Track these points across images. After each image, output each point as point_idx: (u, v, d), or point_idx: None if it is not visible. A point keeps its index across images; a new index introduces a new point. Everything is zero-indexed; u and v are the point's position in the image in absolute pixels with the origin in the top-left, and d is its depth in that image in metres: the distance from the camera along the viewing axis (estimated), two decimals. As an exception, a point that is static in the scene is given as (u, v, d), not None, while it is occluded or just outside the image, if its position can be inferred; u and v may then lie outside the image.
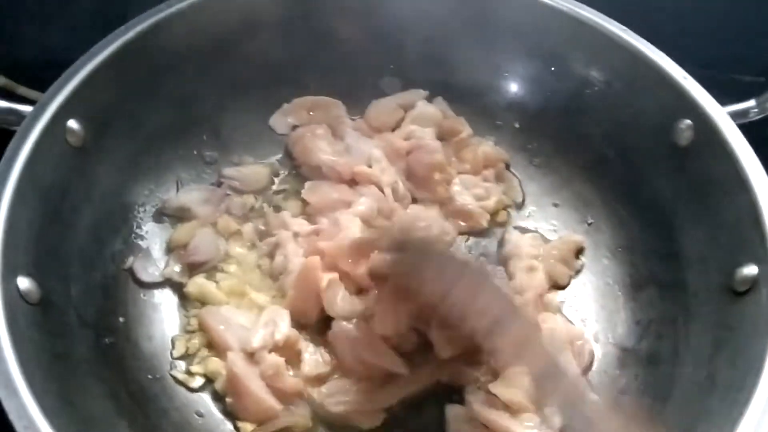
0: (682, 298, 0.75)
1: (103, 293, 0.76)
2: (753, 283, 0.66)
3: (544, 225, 0.90)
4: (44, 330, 0.65)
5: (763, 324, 0.62)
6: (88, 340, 0.71)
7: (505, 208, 0.91)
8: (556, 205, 0.92)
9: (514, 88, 0.95)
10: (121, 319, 0.76)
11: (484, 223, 0.89)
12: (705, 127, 0.76)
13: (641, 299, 0.80)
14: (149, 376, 0.74)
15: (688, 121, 0.78)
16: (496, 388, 0.71)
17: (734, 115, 0.77)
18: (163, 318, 0.79)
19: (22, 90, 1.01)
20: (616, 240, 0.86)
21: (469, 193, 0.90)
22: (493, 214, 0.90)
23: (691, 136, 0.78)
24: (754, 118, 0.79)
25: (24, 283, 0.65)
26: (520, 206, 0.92)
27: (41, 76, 0.79)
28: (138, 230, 0.84)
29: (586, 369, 0.77)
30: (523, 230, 0.89)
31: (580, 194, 0.90)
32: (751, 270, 0.67)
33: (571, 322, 0.80)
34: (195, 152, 0.91)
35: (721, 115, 0.76)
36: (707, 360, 0.67)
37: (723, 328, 0.68)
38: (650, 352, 0.76)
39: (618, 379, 0.76)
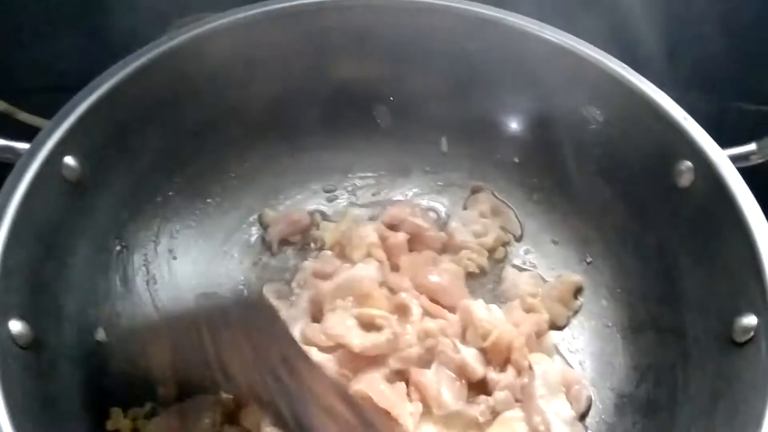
0: (681, 344, 0.74)
1: (95, 332, 0.76)
2: (752, 334, 0.65)
3: (543, 262, 0.90)
4: (35, 374, 0.64)
5: (761, 378, 0.61)
6: (80, 383, 0.70)
7: (503, 245, 0.91)
8: (554, 243, 0.91)
9: (513, 123, 0.94)
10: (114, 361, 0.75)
11: (484, 262, 0.88)
12: (705, 169, 0.75)
13: (640, 343, 0.80)
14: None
15: (689, 163, 0.77)
16: None
17: (735, 159, 0.76)
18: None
19: (23, 116, 1.02)
20: (615, 281, 0.85)
21: (467, 230, 0.90)
22: (491, 250, 0.89)
23: (692, 178, 0.77)
24: (755, 162, 0.78)
25: (16, 326, 0.64)
26: (518, 239, 0.92)
27: (43, 102, 0.79)
28: (132, 268, 0.83)
29: (583, 415, 0.76)
30: (521, 269, 0.88)
31: (579, 232, 0.90)
32: (750, 320, 0.66)
33: (569, 364, 0.80)
34: (191, 188, 0.90)
35: (721, 158, 0.75)
36: (706, 412, 0.66)
37: (722, 379, 0.67)
38: (648, 399, 0.75)
39: (615, 426, 0.75)
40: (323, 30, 0.91)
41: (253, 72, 0.91)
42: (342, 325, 0.75)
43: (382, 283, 0.81)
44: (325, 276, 0.83)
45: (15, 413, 0.58)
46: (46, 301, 0.70)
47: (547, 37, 0.88)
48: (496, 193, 0.95)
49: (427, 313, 0.78)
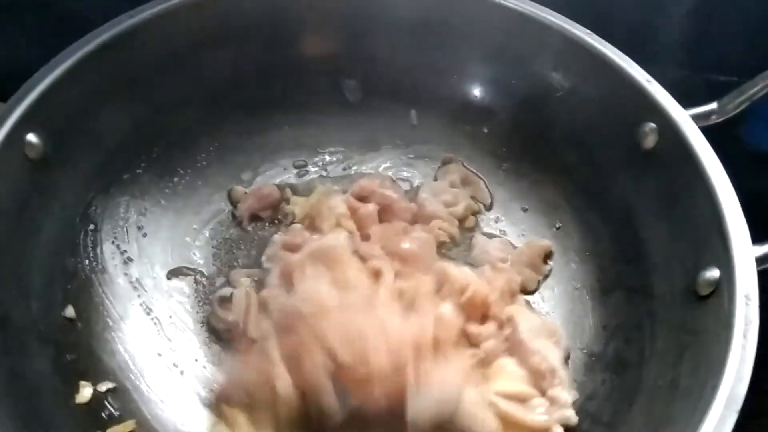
0: (648, 302, 0.75)
1: (63, 309, 0.75)
2: (715, 286, 0.66)
3: (513, 230, 0.90)
4: (2, 349, 0.64)
5: (723, 328, 0.62)
6: (47, 358, 0.70)
7: (474, 213, 0.91)
8: (524, 210, 0.91)
9: (481, 93, 0.95)
10: (82, 336, 0.75)
11: (455, 231, 0.88)
12: (668, 130, 0.76)
13: (609, 304, 0.80)
14: (112, 393, 0.73)
15: (652, 125, 0.78)
16: (494, 388, 0.71)
17: (697, 118, 0.77)
18: (128, 332, 0.78)
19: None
20: (584, 244, 0.86)
21: (437, 200, 0.90)
22: (461, 220, 0.90)
23: (655, 139, 0.78)
24: (716, 121, 0.79)
25: (-20, 303, 0.64)
26: (488, 208, 0.92)
27: (5, 87, 0.78)
28: (101, 246, 0.82)
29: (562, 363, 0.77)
30: (491, 236, 0.89)
31: (548, 199, 0.90)
32: (713, 273, 0.67)
33: (544, 316, 0.81)
34: (159, 166, 0.89)
35: (683, 118, 0.76)
36: (672, 365, 0.67)
37: (687, 332, 0.68)
38: (617, 357, 0.76)
39: (586, 385, 0.76)
40: (289, 3, 0.91)
41: (220, 48, 0.91)
42: (316, 288, 0.74)
43: (353, 252, 0.81)
44: (294, 248, 0.83)
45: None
46: (10, 279, 0.70)
47: (511, 5, 0.88)
48: (466, 164, 0.95)
49: (399, 276, 0.78)
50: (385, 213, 0.88)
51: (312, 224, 0.88)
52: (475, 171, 0.95)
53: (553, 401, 0.71)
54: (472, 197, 0.92)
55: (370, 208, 0.87)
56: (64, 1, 1.04)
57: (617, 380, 0.74)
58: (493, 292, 0.77)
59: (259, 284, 0.83)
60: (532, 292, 0.84)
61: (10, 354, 0.65)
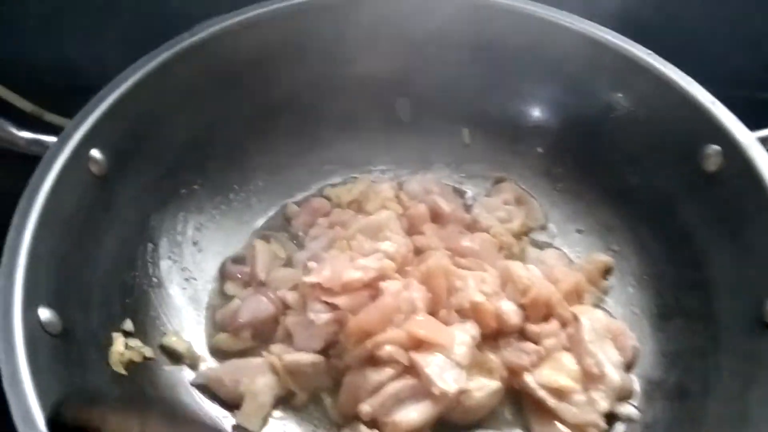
0: (711, 330, 0.73)
1: (120, 323, 0.76)
2: (784, 315, 0.64)
3: (568, 251, 0.89)
4: (64, 362, 0.65)
5: (795, 360, 0.60)
6: (106, 372, 0.71)
7: (528, 231, 0.90)
8: (579, 232, 0.90)
9: (536, 112, 0.94)
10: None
11: (511, 240, 0.87)
12: (734, 153, 0.75)
13: (669, 330, 0.78)
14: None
15: (717, 147, 0.76)
16: (541, 375, 0.72)
17: (764, 141, 0.74)
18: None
19: (50, 116, 1.03)
20: (641, 268, 0.84)
21: (492, 216, 0.89)
22: (516, 236, 0.89)
23: (720, 163, 0.76)
24: (784, 144, 0.76)
25: (45, 314, 0.65)
26: (542, 228, 0.91)
27: (70, 102, 0.80)
28: (157, 260, 0.84)
29: (630, 365, 0.76)
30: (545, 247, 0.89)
31: (604, 221, 0.89)
32: (781, 302, 0.65)
33: (612, 316, 0.79)
34: (215, 182, 0.91)
35: (750, 141, 0.74)
36: (738, 396, 0.65)
37: (754, 362, 0.66)
38: (678, 386, 0.74)
39: (645, 413, 0.74)
40: (344, 22, 0.91)
41: (276, 66, 0.92)
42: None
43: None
44: (342, 224, 0.85)
45: (43, 397, 0.58)
46: (74, 291, 0.71)
47: (569, 24, 0.87)
48: (520, 184, 0.94)
49: (460, 266, 0.79)
50: (437, 219, 0.88)
51: (359, 208, 0.89)
52: (528, 191, 0.94)
53: (590, 403, 0.71)
54: (526, 217, 0.91)
55: (421, 208, 0.87)
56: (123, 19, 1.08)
57: (679, 409, 0.72)
58: (556, 293, 0.77)
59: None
60: (592, 307, 0.82)
61: (72, 366, 0.66)
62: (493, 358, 0.74)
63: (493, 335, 0.76)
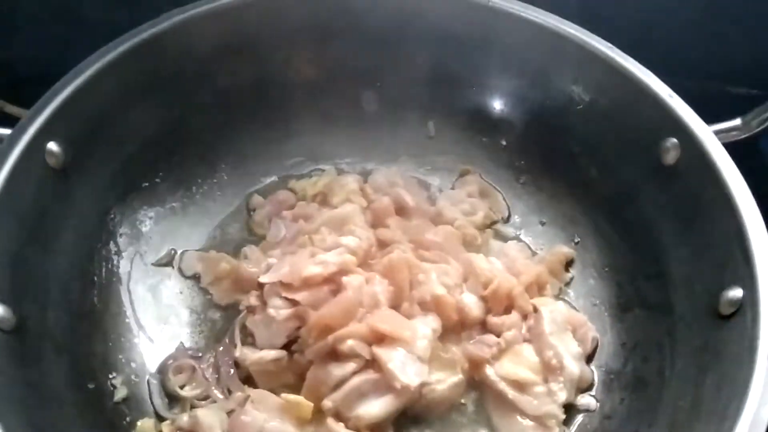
0: (668, 321, 0.74)
1: (80, 318, 0.75)
2: (738, 306, 0.65)
3: (531, 242, 0.90)
4: (17, 358, 0.64)
5: (747, 349, 0.61)
6: (63, 367, 0.70)
7: (491, 224, 0.91)
8: (542, 224, 0.91)
9: (500, 105, 0.94)
10: (98, 345, 0.75)
11: (475, 232, 0.88)
12: (691, 146, 0.75)
13: (627, 321, 0.80)
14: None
15: (674, 140, 0.77)
16: (501, 367, 0.73)
17: (720, 134, 0.76)
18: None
19: (10, 108, 1.01)
20: (602, 259, 0.85)
21: (455, 208, 0.89)
22: (479, 228, 0.89)
23: (677, 155, 0.77)
24: (739, 137, 0.78)
25: (-2, 310, 0.64)
26: (506, 221, 0.92)
27: (32, 94, 0.78)
28: (118, 254, 0.83)
29: (590, 356, 0.77)
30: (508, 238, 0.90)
31: (566, 212, 0.90)
32: (736, 293, 0.66)
33: (574, 308, 0.80)
34: (177, 174, 0.89)
35: (707, 134, 0.75)
36: (693, 385, 0.66)
37: (709, 352, 0.67)
38: (636, 376, 0.75)
39: (603, 403, 0.75)
40: (309, 15, 0.90)
41: (239, 58, 0.91)
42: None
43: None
44: (306, 217, 0.84)
45: (-2, 397, 0.57)
46: (30, 286, 0.70)
47: (531, 17, 0.87)
48: (484, 176, 0.95)
49: (423, 259, 0.79)
50: (401, 211, 0.88)
51: (324, 201, 0.89)
52: (492, 183, 0.95)
53: (549, 394, 0.72)
54: (490, 209, 0.92)
55: (386, 201, 0.87)
56: (89, 7, 1.06)
57: (636, 399, 0.73)
58: (518, 286, 0.78)
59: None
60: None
61: (27, 362, 0.65)
62: (455, 350, 0.74)
63: (455, 328, 0.76)
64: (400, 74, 0.95)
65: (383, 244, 0.82)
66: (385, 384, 0.70)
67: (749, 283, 0.65)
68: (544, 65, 0.88)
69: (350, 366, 0.71)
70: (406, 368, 0.70)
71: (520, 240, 0.90)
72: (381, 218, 0.86)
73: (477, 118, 0.95)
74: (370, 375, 0.70)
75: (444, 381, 0.72)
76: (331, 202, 0.89)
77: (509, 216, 0.92)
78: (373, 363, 0.71)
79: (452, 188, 0.94)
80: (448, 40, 0.92)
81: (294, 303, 0.74)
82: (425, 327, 0.73)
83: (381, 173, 0.93)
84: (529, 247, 0.88)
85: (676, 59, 0.93)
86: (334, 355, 0.72)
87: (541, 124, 0.91)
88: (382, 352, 0.70)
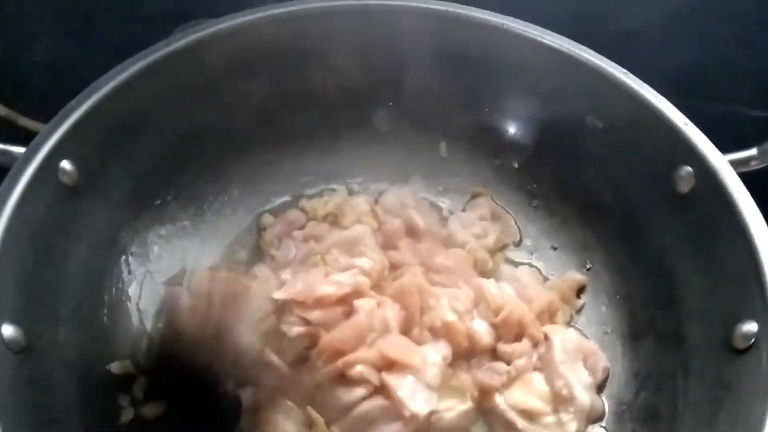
0: (682, 351, 0.73)
1: (90, 338, 0.75)
2: (753, 341, 0.64)
3: (542, 267, 0.90)
4: (26, 379, 0.64)
5: (762, 386, 0.60)
6: (72, 388, 0.69)
7: (502, 248, 0.90)
8: (554, 248, 0.90)
9: (513, 128, 0.94)
10: (107, 365, 0.75)
11: (486, 256, 0.87)
12: (705, 175, 0.75)
13: (640, 350, 0.79)
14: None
15: (689, 168, 0.76)
16: (511, 396, 0.72)
17: (735, 164, 0.75)
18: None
19: (24, 121, 1.01)
20: (615, 287, 0.84)
21: (467, 231, 0.89)
22: (491, 252, 0.88)
23: (692, 184, 0.76)
24: (755, 167, 0.77)
25: (8, 330, 0.64)
26: (517, 244, 0.91)
27: (45, 106, 0.79)
28: (129, 273, 0.83)
29: (600, 386, 0.77)
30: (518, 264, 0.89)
31: (579, 238, 0.89)
32: (750, 327, 0.65)
33: (585, 336, 0.79)
34: (189, 192, 0.90)
35: (722, 164, 0.74)
36: (707, 420, 0.66)
37: (722, 386, 0.66)
38: (648, 407, 0.74)
39: (614, 435, 0.74)
40: (323, 34, 0.90)
41: (252, 76, 0.91)
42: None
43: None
44: (317, 238, 0.84)
45: (5, 420, 0.57)
46: (41, 306, 0.70)
47: (547, 42, 0.87)
48: (496, 198, 0.95)
49: (434, 283, 0.78)
50: (413, 234, 0.87)
51: (334, 222, 0.89)
52: (504, 206, 0.94)
53: (560, 425, 0.71)
54: (501, 232, 0.91)
55: (397, 223, 0.86)
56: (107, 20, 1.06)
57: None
58: (530, 313, 0.77)
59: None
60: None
61: (35, 383, 0.65)
62: (464, 377, 0.74)
63: (464, 354, 0.75)
64: (412, 94, 0.95)
65: (394, 267, 0.82)
66: (394, 411, 0.69)
67: (764, 318, 0.64)
68: (557, 89, 0.88)
69: (359, 391, 0.71)
70: (416, 396, 0.69)
71: (531, 265, 0.89)
72: (392, 240, 0.86)
73: (489, 140, 0.95)
74: (378, 402, 0.70)
75: (453, 409, 0.71)
76: (342, 222, 0.89)
77: (521, 240, 0.92)
78: (382, 389, 0.71)
79: (463, 210, 0.94)
80: (461, 62, 0.91)
81: (306, 322, 0.74)
82: (435, 354, 0.72)
83: (392, 194, 0.93)
84: (541, 273, 0.88)
85: (690, 81, 0.94)
86: (343, 379, 0.71)
87: (554, 147, 0.90)
88: (391, 379, 0.70)
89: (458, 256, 0.84)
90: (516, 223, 0.93)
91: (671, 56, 1.00)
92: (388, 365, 0.71)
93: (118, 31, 1.08)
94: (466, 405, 0.72)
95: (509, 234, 0.92)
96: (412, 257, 0.83)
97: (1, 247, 0.66)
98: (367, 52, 0.92)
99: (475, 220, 0.91)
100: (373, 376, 0.70)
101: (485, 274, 0.85)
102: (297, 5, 0.89)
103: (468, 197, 0.96)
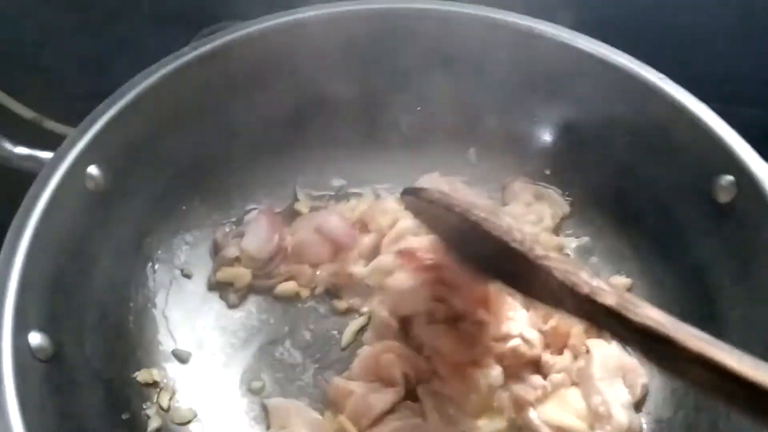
0: (722, 368, 0.70)
1: (116, 345, 0.74)
2: (799, 358, 0.62)
3: (577, 277, 0.87)
4: (53, 388, 0.63)
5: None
6: (98, 397, 0.69)
7: (561, 224, 0.88)
8: (592, 258, 0.88)
9: (545, 134, 0.92)
10: (133, 373, 0.74)
11: (555, 241, 0.86)
12: (748, 184, 0.72)
13: (677, 366, 0.76)
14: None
15: (730, 177, 0.74)
16: (546, 412, 0.71)
17: (779, 172, 0.72)
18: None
19: (50, 124, 1.02)
20: (652, 299, 0.80)
21: (522, 222, 0.86)
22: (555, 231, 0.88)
23: (733, 193, 0.74)
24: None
25: (36, 338, 0.63)
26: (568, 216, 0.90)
27: (70, 110, 0.78)
28: (155, 279, 0.82)
29: (639, 404, 0.74)
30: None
31: (614, 248, 0.86)
32: (794, 345, 0.62)
33: (627, 351, 0.77)
34: (215, 198, 0.89)
35: (765, 173, 0.72)
36: (750, 440, 0.63)
37: (765, 406, 0.63)
38: (687, 426, 0.71)
39: (652, 454, 0.72)
40: (350, 38, 0.89)
41: (280, 81, 0.90)
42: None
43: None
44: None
45: (32, 428, 0.56)
46: (67, 314, 0.70)
47: (580, 46, 0.85)
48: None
49: None
50: None
51: (364, 228, 0.87)
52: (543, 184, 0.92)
53: None
54: (552, 208, 0.89)
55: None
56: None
57: (687, 451, 0.70)
58: (579, 324, 0.75)
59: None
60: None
61: (62, 391, 0.64)
62: (504, 396, 0.72)
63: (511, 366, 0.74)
64: (441, 100, 0.93)
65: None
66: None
67: (811, 334, 0.62)
68: (593, 95, 0.85)
69: (389, 396, 0.70)
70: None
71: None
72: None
73: (520, 146, 0.93)
74: (412, 420, 0.68)
75: (485, 428, 0.70)
76: (371, 227, 0.87)
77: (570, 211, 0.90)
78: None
79: (504, 205, 0.91)
80: (492, 66, 0.90)
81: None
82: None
83: (423, 181, 0.90)
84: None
85: (731, 86, 0.91)
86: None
87: (588, 154, 0.88)
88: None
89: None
90: (561, 196, 0.91)
91: (711, 61, 0.98)
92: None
93: (145, 33, 1.08)
94: (500, 425, 0.71)
95: (560, 207, 0.89)
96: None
97: (29, 256, 0.65)
98: (394, 58, 0.91)
99: (523, 208, 0.89)
100: None
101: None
102: (324, 8, 0.88)
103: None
